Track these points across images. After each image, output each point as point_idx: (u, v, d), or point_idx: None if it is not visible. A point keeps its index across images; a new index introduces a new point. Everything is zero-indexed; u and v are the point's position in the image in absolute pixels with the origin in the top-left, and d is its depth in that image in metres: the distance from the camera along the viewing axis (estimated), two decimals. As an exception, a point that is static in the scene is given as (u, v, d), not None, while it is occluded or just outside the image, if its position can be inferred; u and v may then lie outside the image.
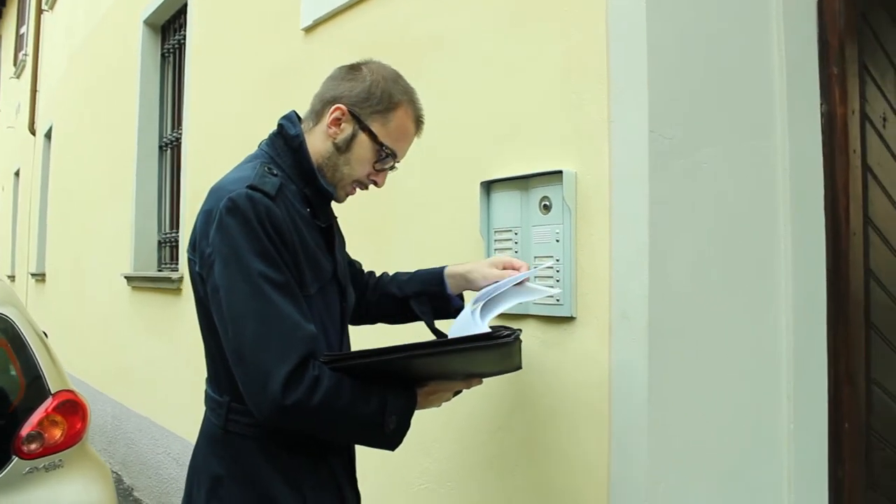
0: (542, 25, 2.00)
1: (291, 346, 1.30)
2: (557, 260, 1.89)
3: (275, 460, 1.45)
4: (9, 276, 12.30)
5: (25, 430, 2.84)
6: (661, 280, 1.69)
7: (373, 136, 1.53)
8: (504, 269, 1.71)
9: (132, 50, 5.81)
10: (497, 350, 1.38)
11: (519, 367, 1.60)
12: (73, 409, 3.01)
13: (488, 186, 2.10)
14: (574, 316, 1.86)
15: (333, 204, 1.66)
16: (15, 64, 13.31)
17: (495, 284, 1.63)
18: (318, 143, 1.55)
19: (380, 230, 2.62)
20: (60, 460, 2.91)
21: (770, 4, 1.96)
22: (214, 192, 1.44)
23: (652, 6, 1.72)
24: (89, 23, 7.49)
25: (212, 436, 1.52)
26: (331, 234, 1.61)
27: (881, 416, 2.16)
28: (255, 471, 1.45)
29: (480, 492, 2.14)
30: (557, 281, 1.89)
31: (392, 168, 1.63)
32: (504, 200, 2.06)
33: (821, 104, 2.03)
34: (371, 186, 1.63)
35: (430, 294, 1.80)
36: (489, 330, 1.39)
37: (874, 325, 2.15)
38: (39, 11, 10.58)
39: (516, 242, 2.01)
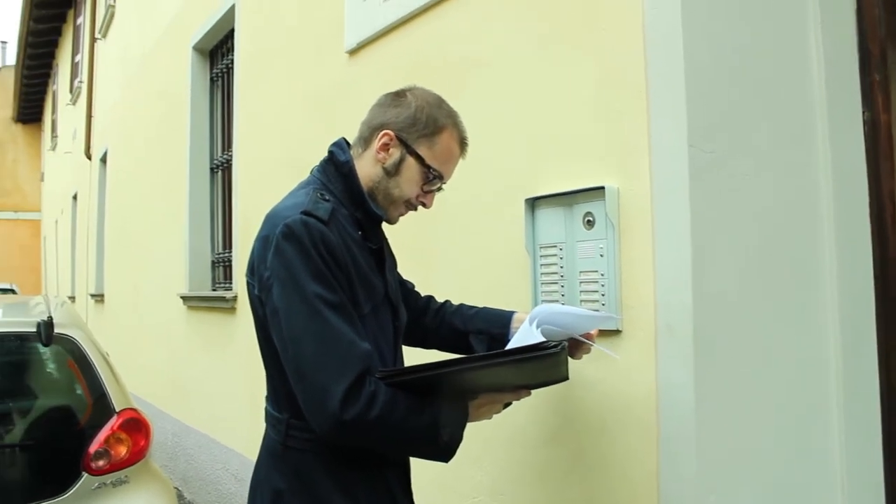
0: (579, 41, 2.04)
1: (348, 363, 1.37)
2: (603, 274, 1.92)
3: (333, 474, 1.50)
4: (69, 297, 12.69)
5: (93, 448, 2.96)
6: (704, 292, 1.71)
7: (420, 160, 1.59)
8: None
9: (182, 75, 5.99)
10: (545, 360, 1.41)
11: (565, 378, 1.63)
12: (136, 426, 3.12)
13: (533, 203, 2.14)
14: (620, 329, 1.88)
15: (385, 225, 1.72)
16: (71, 91, 13.78)
17: (559, 306, 1.68)
18: (367, 167, 1.62)
19: (427, 248, 2.68)
20: (126, 476, 3.03)
21: (808, 13, 1.96)
22: (270, 219, 1.51)
23: (688, 20, 1.74)
24: (141, 50, 7.73)
25: (273, 451, 1.58)
26: (381, 255, 1.67)
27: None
28: (314, 485, 1.50)
29: (532, 504, 2.18)
30: (603, 295, 1.91)
31: (440, 189, 1.69)
32: (548, 216, 2.09)
33: (863, 112, 2.01)
34: (420, 207, 1.69)
35: (492, 335, 1.84)
36: (541, 340, 1.43)
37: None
38: (93, 40, 10.95)
39: (561, 258, 2.05)
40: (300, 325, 1.39)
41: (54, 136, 17.14)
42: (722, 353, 1.74)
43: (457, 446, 1.51)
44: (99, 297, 9.73)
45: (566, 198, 2.02)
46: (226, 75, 5.51)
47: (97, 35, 10.65)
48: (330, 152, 1.65)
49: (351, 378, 1.36)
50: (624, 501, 1.88)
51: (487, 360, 1.41)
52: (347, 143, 1.69)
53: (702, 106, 1.75)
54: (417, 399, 1.44)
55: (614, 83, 1.92)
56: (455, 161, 1.68)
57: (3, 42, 25.96)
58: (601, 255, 1.92)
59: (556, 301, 2.06)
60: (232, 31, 5.05)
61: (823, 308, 1.91)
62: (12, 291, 16.33)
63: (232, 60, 5.10)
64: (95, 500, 2.91)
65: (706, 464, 1.70)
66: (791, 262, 1.87)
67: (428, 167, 1.60)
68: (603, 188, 1.88)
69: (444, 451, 1.49)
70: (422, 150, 1.59)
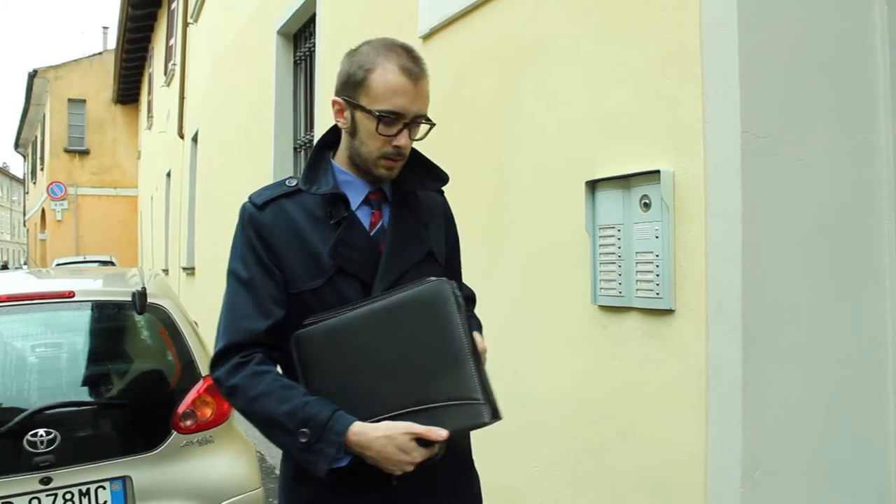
0: (637, 28, 2.08)
1: (230, 331, 1.52)
2: (657, 255, 1.97)
3: None
4: (163, 270, 13.32)
5: (181, 409, 3.18)
6: (753, 273, 1.75)
7: (364, 109, 1.52)
8: None
9: (267, 58, 6.21)
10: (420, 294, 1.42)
11: (477, 415, 1.36)
12: (220, 391, 3.34)
13: (593, 185, 2.20)
14: (673, 308, 1.94)
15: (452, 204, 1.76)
16: (165, 73, 14.37)
17: None
18: (343, 140, 1.63)
19: (493, 227, 2.77)
20: (211, 436, 3.24)
21: (874, -3, 1.95)
22: None
23: (744, 5, 1.77)
24: (229, 33, 8.03)
25: None
26: (350, 224, 1.57)
27: None
28: None
29: (586, 477, 2.26)
30: (657, 276, 1.97)
31: (420, 125, 1.58)
32: (607, 199, 2.16)
33: (931, 94, 2.00)
34: (399, 152, 1.56)
35: None
36: None
37: None
38: (186, 24, 11.39)
39: (619, 239, 2.11)
40: (225, 292, 1.58)
41: (150, 116, 17.91)
42: (771, 332, 1.78)
43: (323, 459, 1.39)
44: (190, 270, 10.20)
45: (624, 181, 2.08)
46: (308, 58, 5.69)
47: (189, 20, 11.07)
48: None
49: (224, 343, 1.50)
50: (673, 475, 1.95)
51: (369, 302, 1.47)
52: None
53: (756, 92, 1.78)
54: (291, 389, 1.45)
55: (671, 69, 1.96)
56: (406, 92, 1.51)
57: (105, 27, 27.12)
58: (657, 237, 1.97)
59: (613, 282, 2.13)
60: (314, 15, 5.22)
61: (882, 293, 1.92)
62: (111, 263, 17.24)
63: (314, 44, 5.27)
64: (183, 457, 3.14)
65: (752, 441, 1.76)
66: (848, 246, 1.89)
67: (370, 111, 1.51)
68: (658, 172, 1.94)
69: (304, 455, 1.41)
70: (362, 100, 1.52)
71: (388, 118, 1.51)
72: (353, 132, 1.57)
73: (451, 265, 1.77)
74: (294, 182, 1.61)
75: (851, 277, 1.88)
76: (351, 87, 1.54)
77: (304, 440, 1.39)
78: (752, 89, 1.77)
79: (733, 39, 1.78)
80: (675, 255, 1.94)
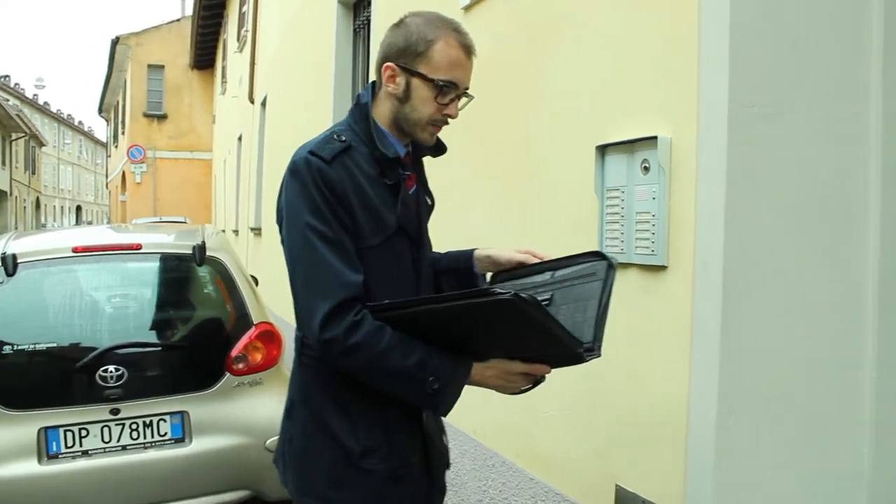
0: (644, 3, 2.22)
1: (331, 289, 1.50)
2: (654, 215, 2.13)
3: (331, 391, 1.63)
4: (233, 231, 13.85)
5: (234, 353, 3.49)
6: (736, 235, 1.90)
7: (423, 77, 1.61)
8: (525, 253, 1.80)
9: (329, 26, 6.46)
10: (494, 308, 1.38)
11: (573, 351, 1.51)
12: (270, 338, 3.62)
13: (602, 150, 2.36)
14: (666, 265, 2.10)
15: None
16: (238, 39, 14.77)
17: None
18: (385, 103, 1.68)
19: (517, 188, 2.95)
20: (260, 379, 3.54)
21: (872, -27, 2.04)
22: (292, 157, 1.67)
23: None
24: (296, 2, 8.30)
25: (294, 366, 1.74)
26: (397, 189, 1.69)
27: None
28: (315, 398, 1.65)
29: (590, 418, 2.45)
30: (653, 234, 2.13)
31: (461, 97, 1.69)
32: (614, 163, 2.31)
33: (926, 66, 2.07)
34: (449, 119, 1.70)
35: (458, 271, 1.89)
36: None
37: None
38: (257, -9, 11.71)
39: (623, 200, 2.27)
40: (296, 253, 1.57)
41: (224, 81, 18.45)
42: (751, 290, 1.93)
43: (449, 401, 1.54)
44: (257, 231, 10.64)
45: (628, 146, 2.24)
46: (366, 27, 5.90)
47: (261, -13, 11.39)
48: (358, 95, 1.75)
49: (333, 302, 1.48)
50: (662, 415, 2.12)
51: (427, 304, 1.51)
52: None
53: (746, 62, 1.91)
54: (410, 340, 1.51)
55: (674, 43, 2.10)
56: (463, 66, 1.65)
57: (183, -7, 27.85)
58: (654, 198, 2.13)
59: (616, 247, 2.29)
60: (372, -15, 5.42)
61: (864, 258, 2.03)
62: (184, 223, 17.96)
63: (371, 13, 5.47)
64: (236, 396, 3.45)
65: (728, 388, 1.92)
66: (832, 212, 2.01)
67: (433, 80, 1.61)
68: (656, 138, 2.09)
69: (432, 400, 1.54)
70: (422, 68, 1.61)
71: (447, 87, 1.63)
72: (404, 98, 1.65)
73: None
74: (344, 138, 1.65)
75: (832, 240, 2.00)
76: (410, 56, 1.62)
77: (435, 387, 1.50)
78: (740, 62, 1.90)
79: (725, 14, 1.91)
80: (670, 215, 2.09)
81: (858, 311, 2.02)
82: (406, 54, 1.62)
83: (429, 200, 1.87)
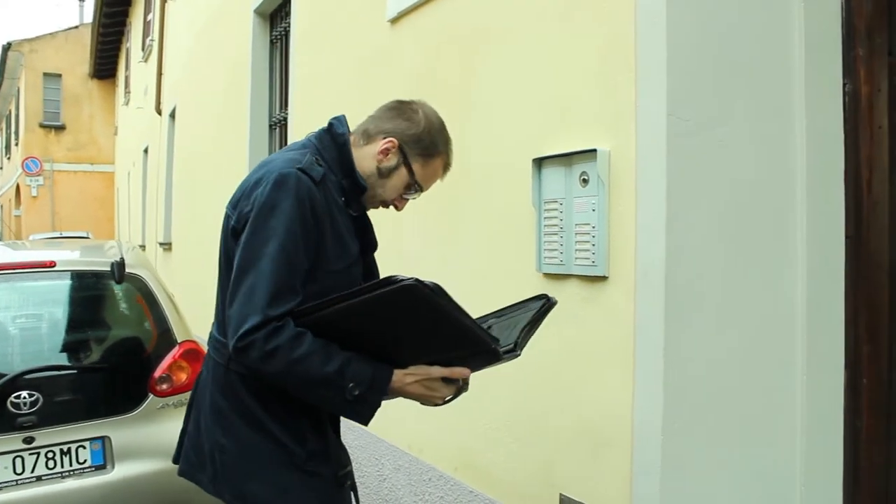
0: (583, 16, 2.27)
1: (273, 304, 1.51)
2: (594, 227, 2.17)
3: (262, 394, 1.65)
4: (140, 246, 13.37)
5: (158, 373, 3.36)
6: (675, 244, 1.95)
7: (411, 173, 1.77)
8: None
9: (244, 37, 6.33)
10: (396, 294, 1.41)
11: (492, 354, 1.57)
12: (196, 356, 3.50)
13: (539, 162, 2.39)
14: (607, 276, 2.14)
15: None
16: (143, 48, 14.33)
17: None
18: (364, 161, 1.77)
19: (452, 204, 2.95)
20: (186, 399, 3.42)
21: (793, -7, 2.14)
22: (265, 165, 1.69)
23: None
24: (207, 10, 8.10)
25: (216, 373, 1.73)
26: (362, 222, 1.83)
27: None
28: (246, 402, 1.66)
29: (534, 433, 2.47)
30: (594, 245, 2.17)
31: (413, 198, 1.85)
32: (552, 175, 2.35)
33: (844, 83, 2.19)
34: (391, 209, 1.87)
35: None
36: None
37: (902, 289, 2.30)
38: (164, 0, 11.38)
39: (561, 212, 2.30)
40: (251, 260, 1.55)
41: (127, 91, 17.83)
42: (691, 298, 1.98)
43: (370, 408, 1.57)
44: (167, 246, 10.30)
45: (566, 158, 2.27)
46: (284, 38, 5.81)
47: (167, -5, 11.07)
48: (330, 123, 1.81)
49: (267, 314, 1.49)
50: (607, 424, 2.15)
51: (339, 302, 1.50)
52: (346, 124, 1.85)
53: (682, 78, 1.97)
54: (330, 347, 1.53)
55: (611, 55, 2.15)
56: (436, 181, 1.86)
57: (81, 0, 26.80)
58: (593, 210, 2.17)
59: (556, 251, 2.32)
60: (290, -5, 5.34)
61: (794, 263, 2.12)
62: (86, 238, 17.23)
63: (289, 24, 5.39)
64: (160, 418, 3.31)
65: (672, 397, 1.96)
66: (764, 222, 2.09)
67: (415, 181, 1.78)
68: (595, 150, 2.12)
69: (354, 408, 1.56)
70: (415, 166, 1.76)
71: (416, 191, 1.81)
72: (385, 174, 1.77)
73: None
74: (321, 163, 1.70)
75: (765, 248, 2.08)
76: (415, 149, 1.76)
77: (356, 393, 1.53)
78: (677, 76, 1.96)
79: (662, 30, 1.96)
80: (610, 226, 2.13)
81: (790, 315, 2.10)
82: (412, 145, 1.76)
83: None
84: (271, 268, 1.53)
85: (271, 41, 6.16)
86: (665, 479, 1.95)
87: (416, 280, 1.39)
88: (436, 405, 1.65)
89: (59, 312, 3.56)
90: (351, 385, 1.52)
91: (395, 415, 3.44)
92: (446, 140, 1.83)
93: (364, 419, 1.58)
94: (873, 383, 2.22)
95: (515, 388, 2.54)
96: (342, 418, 1.82)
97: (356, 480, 1.87)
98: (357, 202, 1.78)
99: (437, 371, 1.59)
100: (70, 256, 3.85)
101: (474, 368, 1.63)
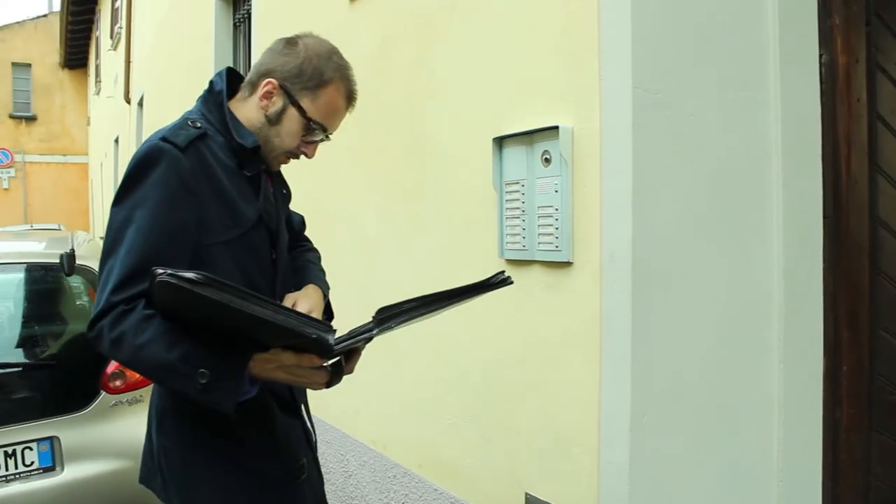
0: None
1: (125, 279, 1.38)
2: (557, 209, 2.03)
3: None
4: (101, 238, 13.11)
5: (110, 369, 3.21)
6: (643, 224, 1.82)
7: (301, 111, 1.57)
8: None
9: (207, 21, 6.13)
10: (163, 289, 1.27)
11: (323, 345, 1.33)
12: (150, 351, 3.35)
13: (500, 142, 2.25)
14: (571, 261, 2.01)
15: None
16: (112, 36, 14.02)
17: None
18: (251, 112, 1.61)
19: (413, 185, 2.81)
20: (141, 396, 3.26)
21: (767, -41, 2.01)
22: (143, 142, 1.53)
23: (639, -34, 1.82)
24: (172, -5, 7.89)
25: None
26: (258, 182, 1.63)
27: (890, 360, 2.22)
28: (189, 405, 1.52)
29: (496, 425, 2.34)
30: (557, 229, 2.03)
31: (323, 140, 1.66)
32: (513, 155, 2.21)
33: (820, 54, 2.07)
34: (302, 157, 1.68)
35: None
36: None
37: (883, 272, 2.19)
38: (131, -15, 11.12)
39: (523, 194, 2.16)
40: (111, 244, 1.43)
41: (98, 81, 17.50)
42: (660, 281, 1.85)
43: (226, 396, 1.38)
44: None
45: (527, 137, 2.13)
46: (247, 20, 5.62)
47: (134, -20, 10.82)
48: (210, 82, 1.66)
49: (116, 297, 1.37)
50: (573, 417, 2.03)
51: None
52: (235, 73, 1.70)
53: (648, 49, 1.83)
54: (176, 333, 1.37)
55: (573, 29, 2.01)
56: (340, 114, 1.64)
57: (50, -13, 26.31)
58: (556, 191, 2.03)
59: (518, 236, 2.19)
60: (252, -24, 5.16)
61: (769, 245, 2.00)
62: (58, 230, 16.93)
63: (251, 6, 5.21)
64: (113, 416, 3.17)
65: (641, 387, 1.84)
66: (736, 198, 1.97)
67: (309, 119, 1.58)
68: (557, 127, 1.99)
69: (205, 396, 1.37)
70: (304, 103, 1.57)
71: (316, 130, 1.60)
72: (274, 121, 1.59)
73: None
74: (199, 124, 1.55)
75: (738, 228, 1.96)
76: (298, 85, 1.57)
77: (203, 381, 1.35)
78: (643, 47, 1.83)
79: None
80: (574, 209, 2.00)
81: (765, 301, 1.99)
82: (294, 81, 1.57)
83: (284, 190, 1.83)
84: (125, 250, 1.40)
85: (234, 24, 5.97)
86: (634, 475, 1.83)
87: (170, 273, 1.22)
88: (319, 389, 1.47)
89: (3, 307, 3.39)
90: (200, 372, 1.35)
91: (358, 408, 3.33)
92: (337, 66, 1.60)
93: (221, 408, 1.38)
94: (853, 371, 2.12)
95: (479, 380, 2.41)
96: (309, 403, 1.74)
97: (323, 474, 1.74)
98: (253, 161, 1.60)
99: (289, 358, 1.39)
100: (18, 248, 3.68)
101: (317, 353, 1.39)
